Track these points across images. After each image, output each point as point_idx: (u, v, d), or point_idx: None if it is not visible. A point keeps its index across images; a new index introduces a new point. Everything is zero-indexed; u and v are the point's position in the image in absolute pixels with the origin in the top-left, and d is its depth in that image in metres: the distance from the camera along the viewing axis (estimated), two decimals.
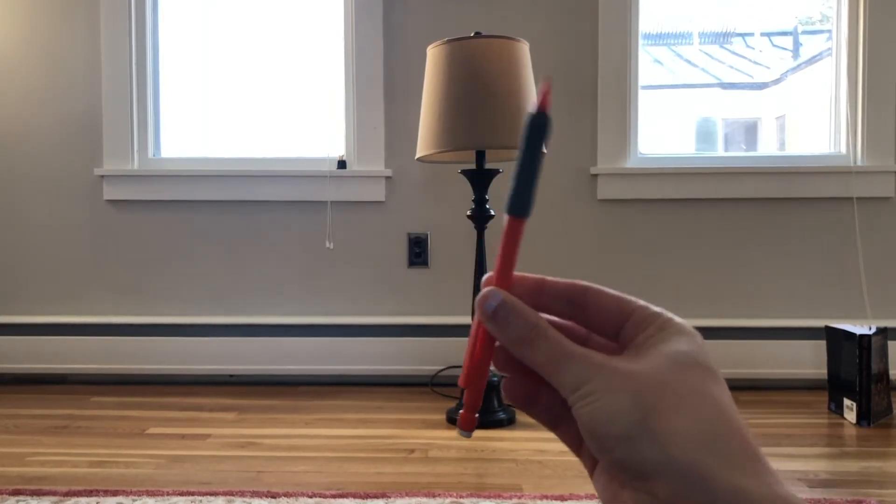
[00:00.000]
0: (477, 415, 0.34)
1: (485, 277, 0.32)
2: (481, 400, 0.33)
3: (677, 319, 0.30)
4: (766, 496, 0.25)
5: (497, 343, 0.32)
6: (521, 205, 0.31)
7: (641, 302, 0.31)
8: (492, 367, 0.34)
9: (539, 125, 0.31)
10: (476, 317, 0.32)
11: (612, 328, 0.31)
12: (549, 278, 0.33)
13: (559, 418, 0.33)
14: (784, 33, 2.28)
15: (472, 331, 0.33)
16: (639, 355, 0.29)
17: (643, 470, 0.26)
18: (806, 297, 2.10)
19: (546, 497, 1.19)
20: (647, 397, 0.27)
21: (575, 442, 0.33)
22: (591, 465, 0.31)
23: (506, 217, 0.32)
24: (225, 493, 1.20)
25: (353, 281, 2.16)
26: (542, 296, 0.32)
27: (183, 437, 1.58)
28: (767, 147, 2.35)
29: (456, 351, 2.11)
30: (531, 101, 0.27)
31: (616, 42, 2.10)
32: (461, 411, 0.34)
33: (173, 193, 2.16)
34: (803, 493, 1.23)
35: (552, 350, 0.30)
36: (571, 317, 0.32)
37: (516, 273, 0.32)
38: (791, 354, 2.06)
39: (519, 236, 0.32)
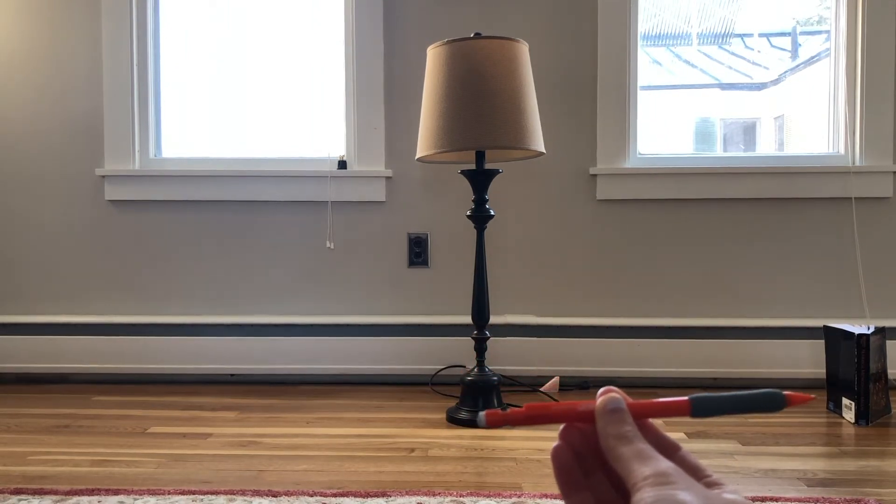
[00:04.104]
0: (504, 428, 0.38)
1: (619, 395, 0.38)
2: (518, 421, 0.38)
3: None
4: None
5: (576, 423, 0.39)
6: (703, 409, 0.37)
7: (715, 476, 0.36)
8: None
9: (772, 406, 0.37)
10: (578, 402, 0.38)
11: None
12: (654, 425, 0.38)
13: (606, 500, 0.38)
14: (782, 34, 2.29)
15: (573, 405, 0.38)
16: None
17: None
18: (804, 296, 2.11)
19: (546, 496, 1.19)
20: (713, 502, 0.31)
21: None
22: None
23: (687, 402, 0.38)
24: (226, 492, 1.20)
25: (354, 281, 2.16)
26: (642, 430, 0.37)
27: (184, 436, 1.59)
28: (766, 147, 2.35)
29: (456, 351, 2.12)
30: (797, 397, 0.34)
31: (615, 42, 2.11)
32: (504, 409, 0.39)
33: (174, 193, 2.16)
34: (802, 492, 1.23)
35: (642, 450, 0.35)
36: None
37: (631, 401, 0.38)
38: (789, 354, 2.07)
39: (675, 415, 0.38)
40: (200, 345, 2.14)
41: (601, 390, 0.38)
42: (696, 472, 0.36)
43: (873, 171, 2.07)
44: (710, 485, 0.34)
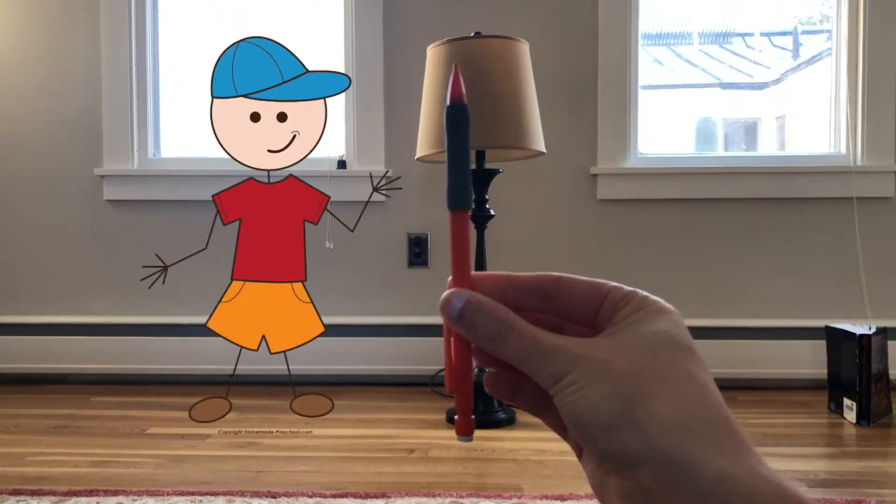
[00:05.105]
0: (473, 416, 0.33)
1: (448, 280, 0.32)
2: (472, 401, 0.33)
3: (653, 298, 0.30)
4: (749, 479, 0.25)
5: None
6: (460, 198, 0.32)
7: (614, 283, 0.30)
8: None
9: (458, 118, 0.32)
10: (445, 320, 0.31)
11: (588, 314, 0.31)
12: (516, 273, 0.32)
13: (543, 406, 0.32)
14: (784, 33, 2.29)
15: (445, 333, 0.33)
16: (616, 339, 0.29)
17: (627, 459, 0.26)
18: (806, 297, 2.10)
19: (546, 497, 1.19)
20: (627, 385, 0.27)
21: (560, 428, 0.32)
22: (579, 451, 0.31)
23: (449, 214, 0.32)
24: (225, 493, 1.20)
25: (353, 281, 2.16)
26: (509, 292, 0.31)
27: (183, 436, 1.58)
28: (767, 147, 2.35)
29: None
30: (450, 93, 0.27)
31: (616, 42, 2.10)
32: (456, 417, 0.33)
33: (173, 193, 2.16)
34: None
35: (526, 344, 0.29)
36: (544, 309, 0.32)
37: (482, 273, 0.32)
38: (791, 354, 2.06)
39: (466, 230, 0.32)
40: (200, 345, 2.13)
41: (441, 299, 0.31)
42: (594, 313, 0.30)
43: (875, 171, 2.06)
44: (624, 305, 0.29)
